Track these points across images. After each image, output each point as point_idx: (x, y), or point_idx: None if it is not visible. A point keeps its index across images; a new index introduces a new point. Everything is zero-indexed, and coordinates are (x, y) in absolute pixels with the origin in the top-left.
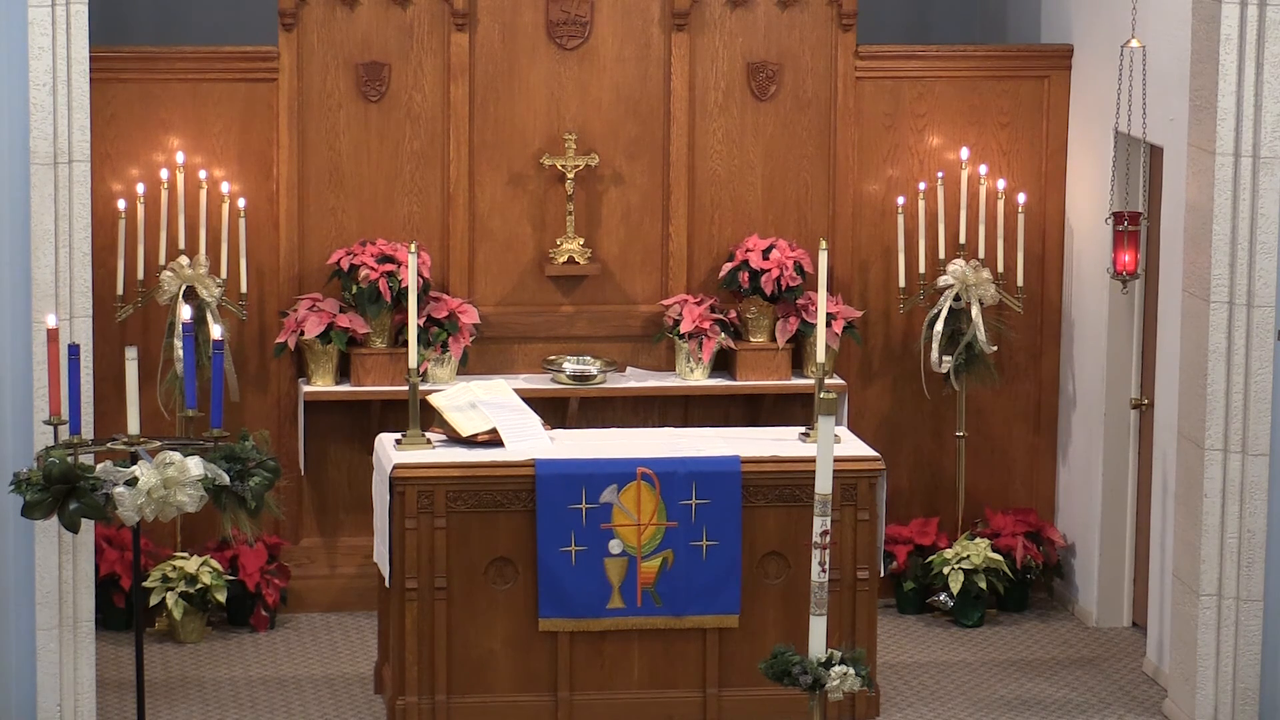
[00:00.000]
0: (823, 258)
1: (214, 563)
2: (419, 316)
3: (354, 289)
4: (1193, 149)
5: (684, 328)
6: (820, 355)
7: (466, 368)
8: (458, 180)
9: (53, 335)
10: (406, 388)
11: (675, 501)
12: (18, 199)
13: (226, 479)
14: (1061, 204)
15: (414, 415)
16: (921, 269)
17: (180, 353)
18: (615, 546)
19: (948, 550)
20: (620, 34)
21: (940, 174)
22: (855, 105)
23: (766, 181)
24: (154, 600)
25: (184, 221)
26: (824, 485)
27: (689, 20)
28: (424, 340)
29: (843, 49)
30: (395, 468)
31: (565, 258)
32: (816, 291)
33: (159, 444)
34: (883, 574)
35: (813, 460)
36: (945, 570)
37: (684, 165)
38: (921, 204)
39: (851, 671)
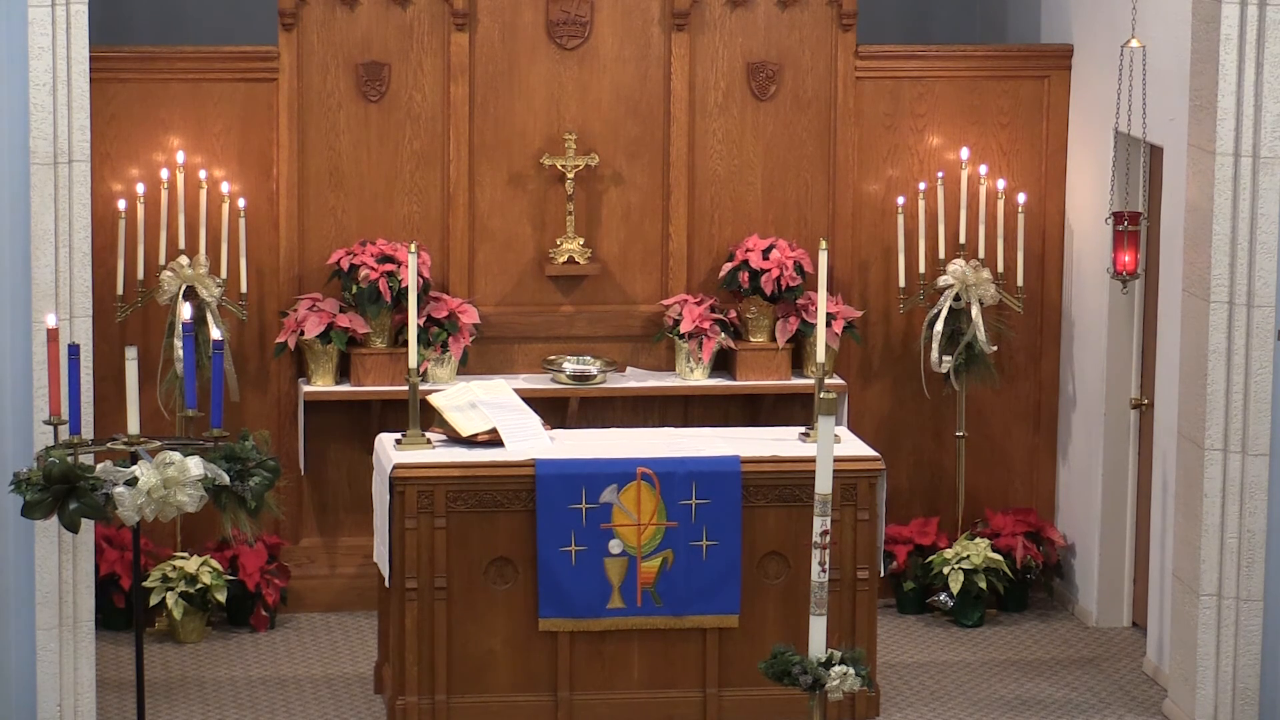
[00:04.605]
0: (823, 258)
1: (214, 563)
2: (419, 316)
3: (354, 289)
4: (1193, 149)
5: (684, 328)
6: (820, 355)
7: (466, 368)
8: (458, 180)
9: (53, 335)
10: (406, 388)
11: (675, 501)
12: (18, 199)
13: (226, 479)
14: (1061, 204)
15: (414, 415)
16: (921, 269)
17: (180, 353)
18: (615, 546)
19: (948, 550)
20: (620, 34)
21: (940, 174)
22: (855, 105)
23: (766, 181)
24: (154, 600)
25: (184, 221)
26: (824, 485)
27: (689, 20)
28: (424, 340)
29: (843, 49)
30: (395, 468)
31: (565, 258)
32: (816, 291)
33: (159, 444)
34: (883, 574)
35: (813, 460)
36: (945, 570)
37: (684, 165)
38: (921, 204)
39: (851, 671)
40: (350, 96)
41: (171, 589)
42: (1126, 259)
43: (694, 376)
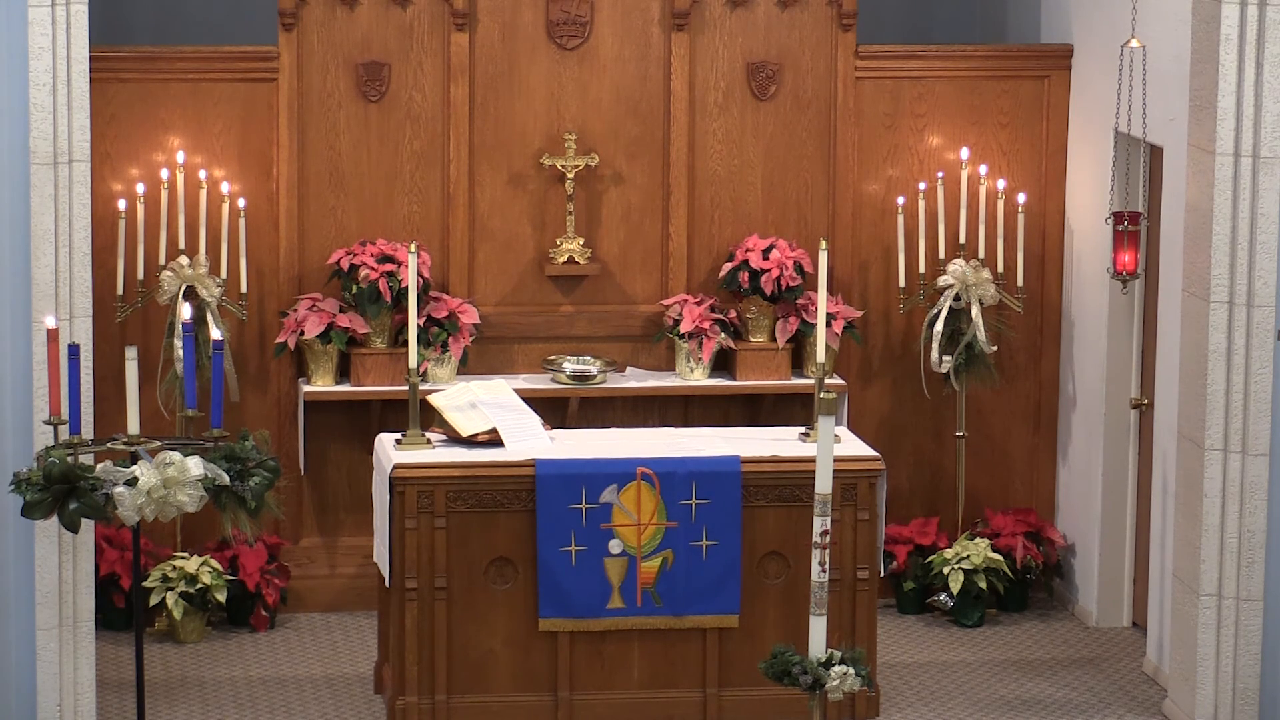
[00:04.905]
0: (823, 258)
1: (214, 563)
2: (419, 316)
3: (354, 289)
4: (1193, 149)
5: (684, 328)
6: (820, 355)
7: (466, 368)
8: (458, 180)
9: (53, 335)
10: (406, 388)
11: (675, 501)
12: (18, 199)
13: (226, 479)
14: (1061, 204)
15: (414, 415)
16: (921, 269)
17: (180, 353)
18: (615, 546)
19: (948, 550)
20: (620, 34)
21: (940, 174)
22: (855, 105)
23: (766, 181)
24: (154, 600)
25: (184, 221)
26: (824, 485)
27: (689, 20)
28: (424, 340)
29: (843, 49)
30: (395, 468)
31: (565, 258)
32: (816, 291)
33: (159, 444)
34: (883, 574)
35: (813, 460)
36: (945, 570)
37: (684, 165)
38: (921, 204)
39: (851, 671)
40: (350, 96)
41: (171, 589)
42: (1126, 259)
43: (694, 376)
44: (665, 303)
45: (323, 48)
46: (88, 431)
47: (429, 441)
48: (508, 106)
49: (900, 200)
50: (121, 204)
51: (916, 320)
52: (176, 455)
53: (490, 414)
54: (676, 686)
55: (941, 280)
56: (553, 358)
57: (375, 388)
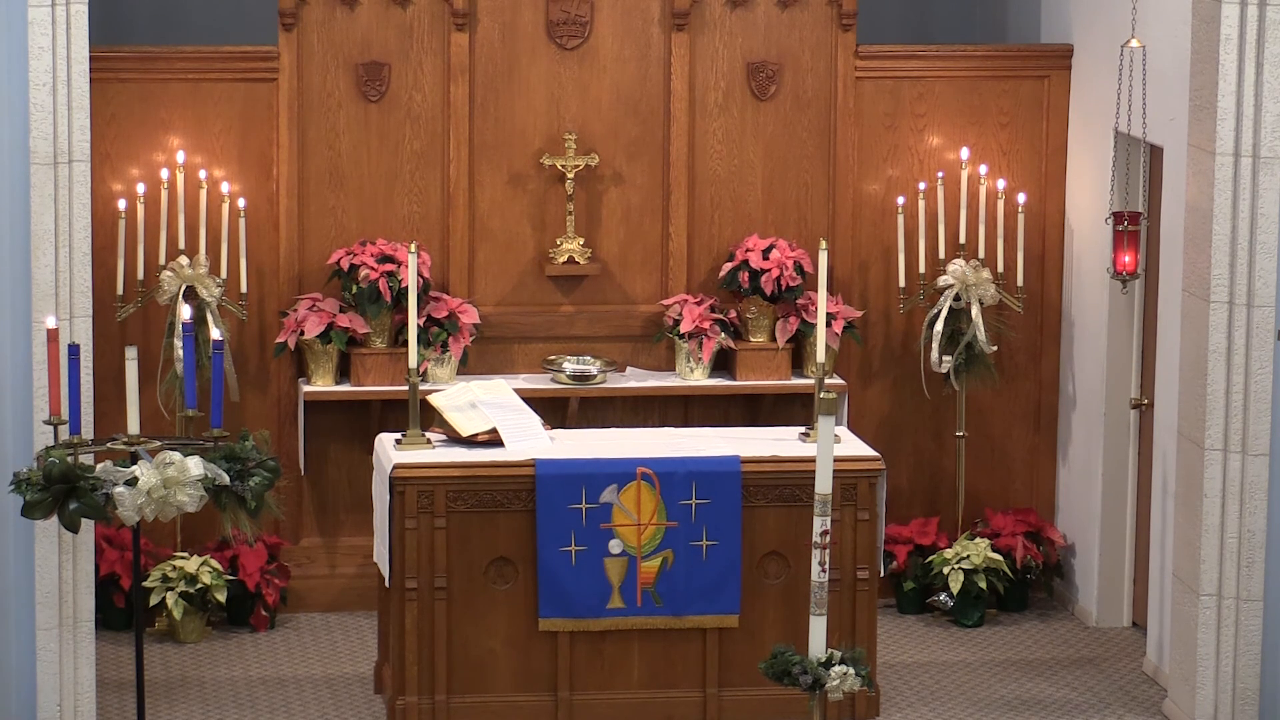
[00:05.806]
0: (823, 258)
1: (214, 563)
2: (419, 316)
3: (354, 289)
4: (1193, 149)
5: (684, 328)
6: (820, 355)
7: (466, 368)
8: (458, 180)
9: (53, 335)
10: (406, 388)
11: (675, 501)
12: (18, 199)
13: (226, 479)
14: (1061, 204)
15: (414, 415)
16: (921, 269)
17: (180, 353)
18: (615, 546)
19: (948, 550)
20: (620, 34)
21: (940, 174)
22: (855, 105)
23: (766, 181)
24: (154, 600)
25: (184, 221)
26: (824, 485)
27: (689, 20)
28: (424, 340)
29: (843, 49)
30: (395, 468)
31: (565, 258)
32: (816, 291)
33: (159, 444)
34: (883, 574)
35: (813, 460)
36: (945, 570)
37: (684, 165)
38: (921, 204)
39: (851, 671)
40: (350, 96)
41: (171, 589)
42: (1126, 259)
43: (694, 376)
44: (665, 303)
45: (323, 48)
46: (88, 431)
47: (429, 441)
48: (508, 106)
49: (900, 200)
50: (121, 204)
51: (916, 320)
52: (176, 455)
53: (490, 414)
54: (676, 686)
55: (941, 280)
56: (553, 358)
57: (375, 388)
